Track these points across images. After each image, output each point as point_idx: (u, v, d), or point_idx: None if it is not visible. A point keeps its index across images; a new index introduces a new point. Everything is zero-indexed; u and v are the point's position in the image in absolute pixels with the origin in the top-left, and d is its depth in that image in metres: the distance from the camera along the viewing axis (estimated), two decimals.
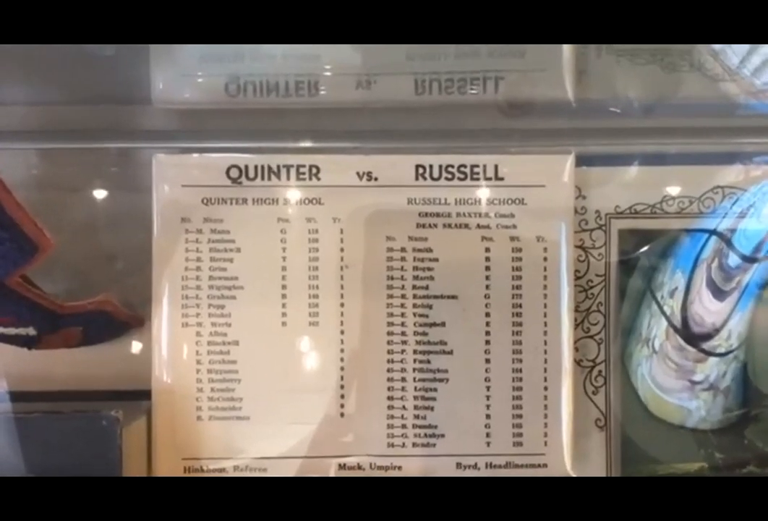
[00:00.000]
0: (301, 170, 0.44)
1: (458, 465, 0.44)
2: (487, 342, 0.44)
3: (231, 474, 0.43)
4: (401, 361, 0.44)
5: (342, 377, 0.43)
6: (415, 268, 0.44)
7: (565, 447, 0.44)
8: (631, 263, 0.45)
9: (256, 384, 0.43)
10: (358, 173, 0.44)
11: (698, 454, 0.46)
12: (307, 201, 0.44)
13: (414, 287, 0.44)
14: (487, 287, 0.44)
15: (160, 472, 0.43)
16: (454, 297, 0.44)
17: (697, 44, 0.45)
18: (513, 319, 0.44)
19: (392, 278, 0.44)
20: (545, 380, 0.44)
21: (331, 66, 0.44)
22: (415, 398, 0.44)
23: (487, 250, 0.44)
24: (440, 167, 0.44)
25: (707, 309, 0.45)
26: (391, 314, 0.44)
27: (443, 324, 0.44)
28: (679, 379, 0.45)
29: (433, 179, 0.44)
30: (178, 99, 0.45)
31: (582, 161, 0.44)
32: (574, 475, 0.44)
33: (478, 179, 0.44)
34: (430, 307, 0.44)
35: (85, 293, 0.42)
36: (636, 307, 0.46)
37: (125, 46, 0.44)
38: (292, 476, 0.43)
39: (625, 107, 0.45)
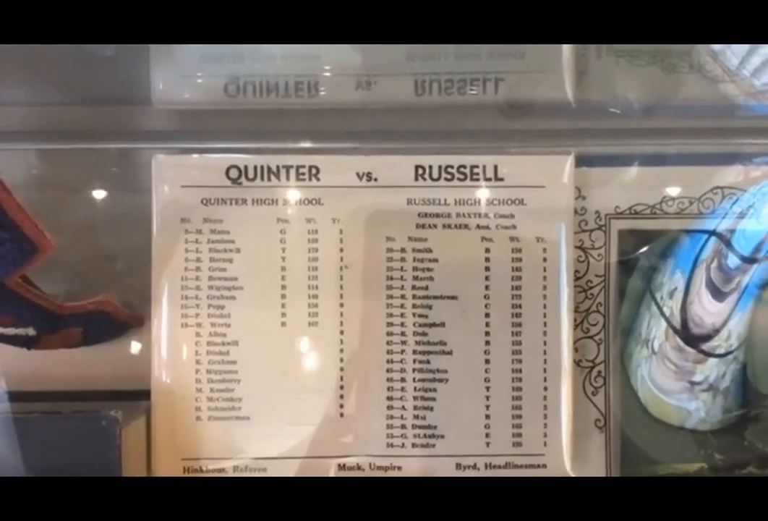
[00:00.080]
0: (301, 170, 0.44)
1: (458, 466, 0.44)
2: (487, 343, 0.44)
3: (230, 474, 0.43)
4: (401, 361, 0.44)
5: (341, 378, 0.43)
6: (415, 268, 0.44)
7: (565, 447, 0.44)
8: (630, 264, 0.45)
9: (256, 384, 0.43)
10: (357, 174, 0.44)
11: (698, 455, 0.46)
12: (306, 202, 0.44)
13: (414, 287, 0.44)
14: (487, 287, 0.44)
15: (159, 472, 0.43)
16: (453, 298, 0.44)
17: (697, 45, 0.45)
18: (513, 319, 0.44)
19: (392, 279, 0.44)
20: (545, 380, 0.44)
21: (330, 66, 0.44)
22: (415, 398, 0.44)
23: (487, 250, 0.44)
24: (440, 167, 0.44)
25: (707, 310, 0.45)
26: (390, 315, 0.44)
27: (443, 325, 0.44)
28: (678, 380, 0.45)
29: (432, 179, 0.44)
30: (178, 99, 0.45)
31: (582, 161, 0.44)
32: (574, 476, 0.44)
33: (477, 180, 0.44)
34: (429, 307, 0.44)
35: (85, 293, 0.42)
36: (635, 308, 0.46)
37: (125, 47, 0.44)
38: (291, 476, 0.43)
39: (624, 108, 0.45)
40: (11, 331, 0.40)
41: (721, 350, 0.45)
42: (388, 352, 0.43)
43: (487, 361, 0.44)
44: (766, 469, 0.46)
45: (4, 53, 0.43)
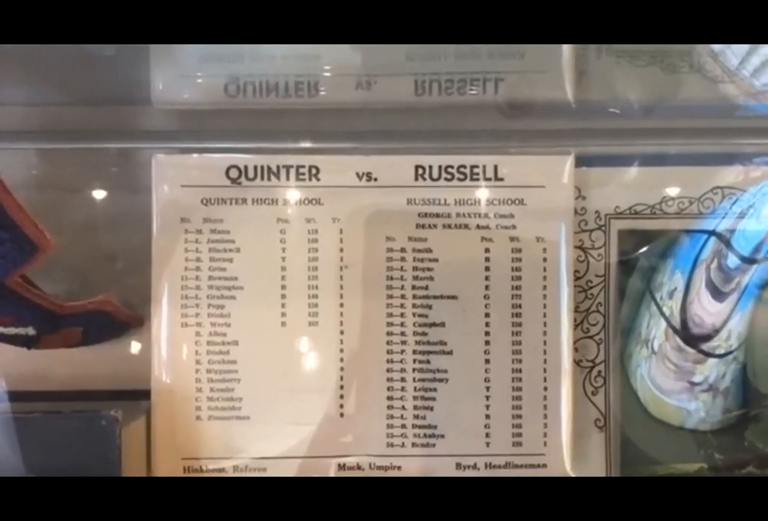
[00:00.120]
0: (301, 170, 0.44)
1: (458, 465, 0.44)
2: (487, 342, 0.44)
3: (230, 474, 0.43)
4: (401, 361, 0.44)
5: (341, 378, 0.43)
6: (415, 268, 0.44)
7: (565, 447, 0.44)
8: (630, 264, 0.45)
9: (256, 384, 0.43)
10: (357, 174, 0.44)
11: (698, 455, 0.46)
12: (306, 201, 0.44)
13: (414, 287, 0.44)
14: (487, 287, 0.44)
15: (159, 472, 0.43)
16: (453, 297, 0.44)
17: (697, 45, 0.45)
18: (513, 319, 0.44)
19: (392, 279, 0.44)
20: (545, 380, 0.44)
21: (330, 66, 0.44)
22: (415, 398, 0.44)
23: (487, 250, 0.44)
24: (440, 167, 0.44)
25: (706, 310, 0.45)
26: (390, 315, 0.44)
27: (443, 324, 0.44)
28: (678, 380, 0.45)
29: (432, 179, 0.44)
30: (178, 99, 0.45)
31: (582, 161, 0.44)
32: (574, 475, 0.44)
33: (477, 180, 0.44)
34: (429, 307, 0.44)
35: (85, 293, 0.42)
36: (635, 307, 0.46)
37: (125, 47, 0.44)
38: (291, 476, 0.43)
39: (624, 108, 0.45)
40: (11, 331, 0.39)
41: (721, 351, 0.45)
42: (388, 352, 0.43)
43: (487, 361, 0.44)
44: (766, 469, 0.46)
45: (4, 53, 0.43)
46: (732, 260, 0.45)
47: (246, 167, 0.43)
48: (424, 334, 0.44)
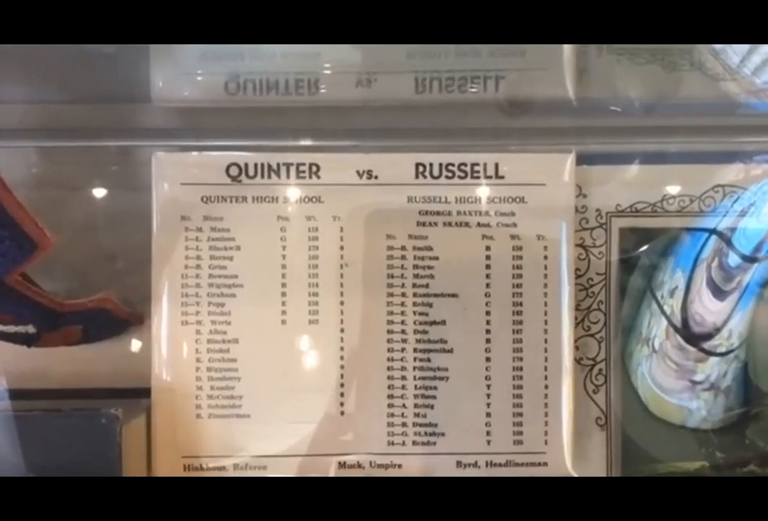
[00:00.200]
0: (301, 168, 0.44)
1: (458, 464, 0.44)
2: (488, 341, 0.44)
3: (231, 472, 0.43)
4: (401, 359, 0.43)
5: (342, 376, 0.43)
6: (416, 266, 0.44)
7: (566, 445, 0.44)
8: (631, 262, 0.45)
9: (256, 382, 0.43)
10: (358, 172, 0.44)
11: (699, 453, 0.46)
12: (307, 199, 0.44)
13: (414, 285, 0.44)
14: (488, 285, 0.44)
15: (159, 470, 0.43)
16: (454, 296, 0.44)
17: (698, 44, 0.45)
18: (513, 317, 0.44)
19: (392, 277, 0.44)
20: (546, 378, 0.44)
21: (331, 64, 0.44)
22: (416, 396, 0.43)
23: (488, 248, 0.44)
24: (440, 165, 0.44)
25: (707, 309, 0.45)
26: (391, 313, 0.43)
27: (443, 323, 0.44)
28: (679, 379, 0.45)
29: (433, 177, 0.44)
30: (178, 97, 0.45)
31: (582, 159, 0.44)
32: (575, 474, 0.44)
33: (478, 178, 0.44)
34: (430, 305, 0.44)
35: (85, 291, 0.42)
36: (636, 306, 0.46)
37: (125, 45, 0.44)
38: (292, 475, 0.43)
39: (625, 106, 0.45)
40: (11, 329, 0.39)
41: (722, 349, 0.45)
42: (389, 350, 0.43)
43: (487, 359, 0.44)
44: (767, 468, 0.45)
45: (3, 51, 0.43)
46: (733, 259, 0.45)
47: (246, 165, 0.43)
48: (424, 332, 0.44)
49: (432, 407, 0.44)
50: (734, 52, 0.45)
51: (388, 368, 0.43)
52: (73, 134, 0.45)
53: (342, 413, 0.43)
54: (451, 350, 0.44)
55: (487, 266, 0.44)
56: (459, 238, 0.44)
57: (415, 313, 0.44)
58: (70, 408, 0.40)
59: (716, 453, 0.45)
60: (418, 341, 0.44)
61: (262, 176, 0.43)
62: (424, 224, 0.44)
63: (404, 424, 0.43)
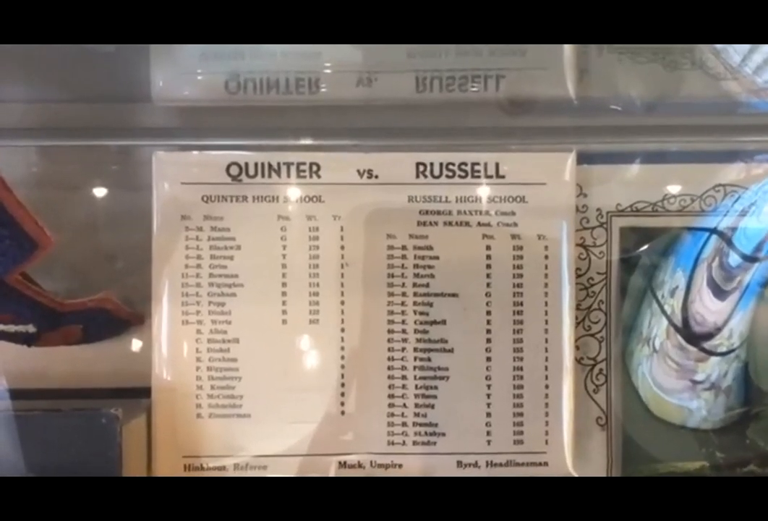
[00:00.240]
0: (302, 167, 0.44)
1: (459, 464, 0.44)
2: (488, 340, 0.44)
3: (231, 472, 0.43)
4: (402, 359, 0.43)
5: (342, 376, 0.43)
6: (416, 266, 0.44)
7: (566, 445, 0.44)
8: (632, 262, 0.45)
9: (257, 382, 0.43)
10: (358, 171, 0.44)
11: (699, 453, 0.46)
12: (307, 199, 0.44)
13: (414, 285, 0.44)
14: (488, 285, 0.44)
15: (160, 470, 0.43)
16: (454, 295, 0.44)
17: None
18: (514, 317, 0.44)
19: (393, 276, 0.44)
20: (546, 378, 0.44)
21: (331, 63, 0.44)
22: (416, 396, 0.43)
23: (488, 248, 0.44)
24: (441, 164, 0.44)
25: (708, 308, 0.45)
26: (391, 312, 0.43)
27: (444, 322, 0.44)
28: (680, 379, 0.45)
29: (433, 176, 0.44)
30: (178, 96, 0.45)
31: (583, 158, 0.44)
32: (575, 474, 0.44)
33: (479, 177, 0.44)
34: (430, 305, 0.44)
35: (86, 290, 0.42)
36: (637, 305, 0.45)
37: (125, 45, 0.44)
38: (292, 475, 0.43)
39: (626, 105, 0.45)
40: (11, 328, 0.39)
41: (723, 349, 0.45)
42: (389, 350, 0.43)
43: (488, 359, 0.44)
44: (767, 468, 0.45)
45: (3, 50, 0.43)
46: (733, 259, 0.45)
47: (246, 165, 0.43)
48: (425, 332, 0.44)
49: (432, 407, 0.44)
50: (735, 51, 0.45)
51: (389, 368, 0.43)
52: (74, 133, 0.44)
53: (342, 413, 0.43)
54: (451, 350, 0.44)
55: (488, 266, 0.44)
56: (459, 237, 0.44)
57: (415, 312, 0.44)
58: (70, 407, 0.40)
59: (716, 453, 0.45)
60: (418, 340, 0.44)
61: (263, 176, 0.43)
62: (424, 224, 0.44)
63: (404, 424, 0.43)
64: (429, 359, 0.44)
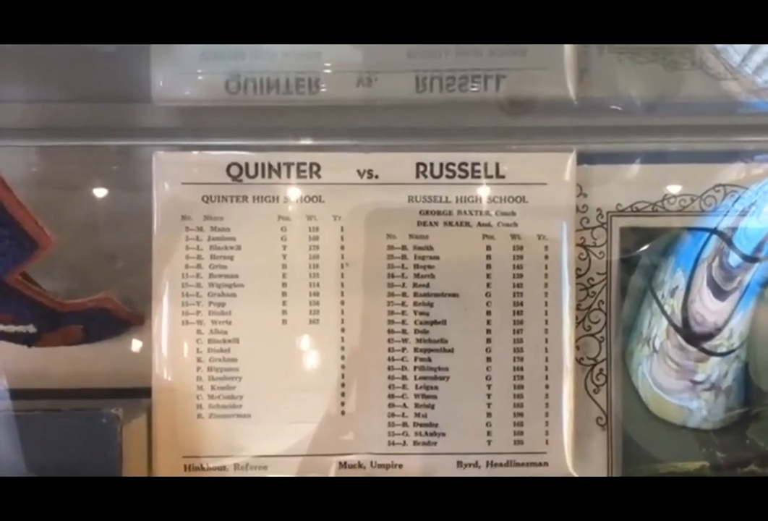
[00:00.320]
0: (302, 167, 0.44)
1: (459, 464, 0.44)
2: (488, 340, 0.44)
3: (231, 472, 0.43)
4: (402, 359, 0.43)
5: (342, 376, 0.43)
6: (416, 266, 0.44)
7: (567, 445, 0.44)
8: (632, 262, 0.45)
9: (257, 382, 0.43)
10: (358, 171, 0.44)
11: (699, 453, 0.46)
12: (307, 199, 0.44)
13: (415, 285, 0.44)
14: (488, 285, 0.44)
15: (160, 470, 0.43)
16: (455, 295, 0.44)
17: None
18: (514, 317, 0.44)
19: (393, 276, 0.44)
20: (546, 378, 0.44)
21: (331, 63, 0.44)
22: (416, 396, 0.43)
23: (488, 248, 0.44)
24: (441, 164, 0.44)
25: (708, 309, 0.45)
26: (391, 312, 0.43)
27: (444, 322, 0.44)
28: (680, 379, 0.45)
29: (434, 176, 0.44)
30: (179, 96, 0.45)
31: (583, 159, 0.44)
32: (575, 474, 0.44)
33: (479, 177, 0.44)
34: (431, 305, 0.44)
35: (86, 290, 0.42)
36: (637, 305, 0.45)
37: (126, 44, 0.44)
38: (292, 475, 0.43)
39: (626, 105, 0.45)
40: (11, 328, 0.39)
41: (723, 349, 0.45)
42: (389, 350, 0.43)
43: (488, 359, 0.44)
44: (767, 468, 0.45)
45: (3, 50, 0.43)
46: (734, 259, 0.45)
47: (247, 165, 0.43)
48: (425, 332, 0.44)
49: (433, 407, 0.44)
50: (735, 51, 0.45)
51: (389, 368, 0.43)
52: (74, 133, 0.44)
53: (343, 413, 0.43)
54: (451, 350, 0.44)
55: (488, 266, 0.44)
56: (460, 237, 0.44)
57: (415, 313, 0.44)
58: (70, 407, 0.40)
59: (717, 453, 0.45)
60: (418, 340, 0.44)
61: (263, 176, 0.43)
62: (424, 224, 0.44)
63: (405, 424, 0.43)
64: (429, 360, 0.44)
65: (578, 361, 0.45)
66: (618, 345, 0.45)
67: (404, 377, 0.44)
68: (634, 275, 0.45)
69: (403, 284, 0.44)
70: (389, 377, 0.43)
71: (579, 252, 0.45)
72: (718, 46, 0.45)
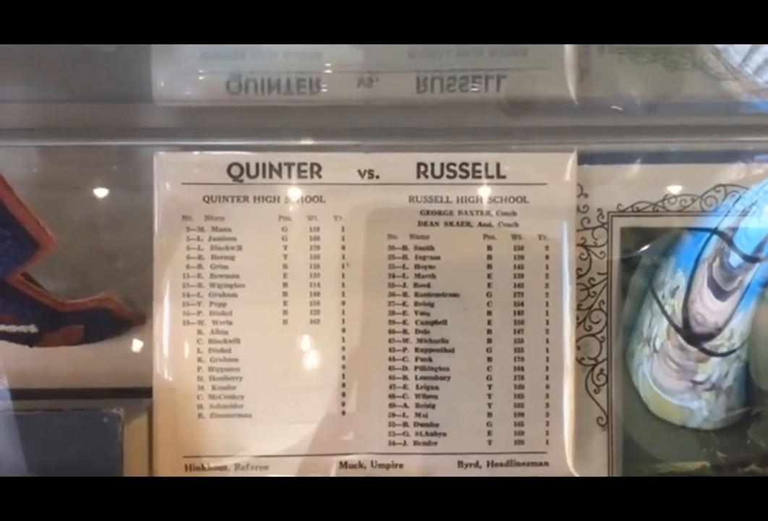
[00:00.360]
0: (303, 167, 0.44)
1: (459, 464, 0.44)
2: (489, 341, 0.44)
3: (232, 472, 0.43)
4: (403, 359, 0.43)
5: (343, 376, 0.43)
6: (417, 266, 0.44)
7: (567, 445, 0.44)
8: (632, 262, 0.45)
9: (258, 382, 0.43)
10: (359, 171, 0.44)
11: (700, 453, 0.46)
12: (308, 199, 0.44)
13: (415, 285, 0.44)
14: (489, 285, 0.44)
15: (161, 470, 0.43)
16: (455, 295, 0.44)
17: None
18: (515, 317, 0.44)
19: (394, 276, 0.44)
20: (547, 378, 0.44)
21: (332, 64, 0.44)
22: (417, 396, 0.43)
23: (489, 248, 0.44)
24: (442, 164, 0.44)
25: (708, 309, 0.45)
26: (392, 313, 0.43)
27: (445, 322, 0.44)
28: (680, 380, 0.45)
29: (434, 177, 0.44)
30: (180, 97, 0.45)
31: (584, 159, 0.44)
32: (576, 474, 0.44)
33: (479, 177, 0.44)
34: (431, 305, 0.44)
35: (87, 290, 0.42)
36: (638, 306, 0.45)
37: (126, 45, 0.44)
38: (293, 475, 0.43)
39: (627, 105, 0.45)
40: (13, 328, 0.39)
41: (724, 349, 0.45)
42: (390, 350, 0.43)
43: (489, 359, 0.44)
44: None
45: (4, 50, 0.43)
46: (734, 259, 0.45)
47: (248, 165, 0.43)
48: (426, 332, 0.44)
49: (433, 407, 0.44)
50: (736, 51, 0.45)
51: (390, 368, 0.43)
52: (75, 133, 0.45)
53: (343, 413, 0.43)
54: (452, 350, 0.44)
55: (489, 266, 0.44)
56: (460, 238, 0.44)
57: (416, 313, 0.44)
58: (71, 407, 0.40)
59: (717, 453, 0.45)
60: (419, 340, 0.44)
61: (264, 176, 0.43)
62: (425, 224, 0.44)
63: (405, 424, 0.43)
64: (430, 359, 0.44)
65: (579, 361, 0.45)
66: (619, 345, 0.45)
67: (405, 377, 0.44)
68: (634, 275, 0.45)
69: (404, 284, 0.44)
70: (390, 377, 0.43)
71: (580, 252, 0.45)
72: (719, 46, 0.45)
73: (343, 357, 0.43)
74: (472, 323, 0.44)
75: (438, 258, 0.44)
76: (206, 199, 0.43)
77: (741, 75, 0.45)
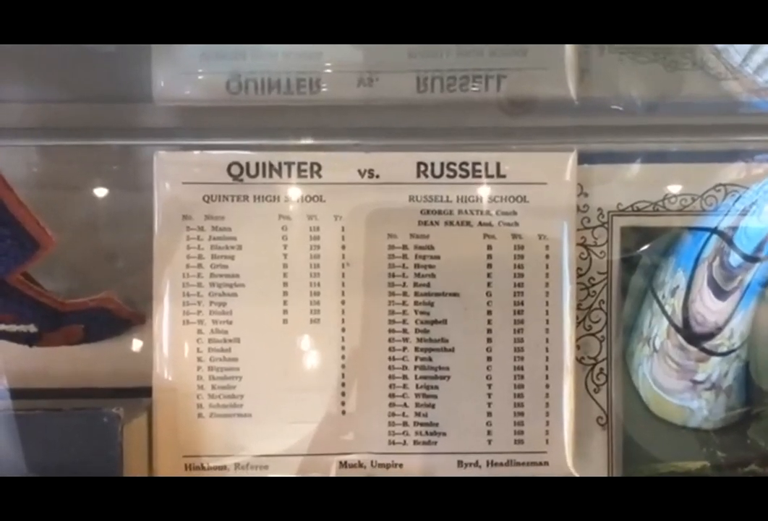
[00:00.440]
0: (303, 167, 0.44)
1: (459, 463, 0.44)
2: (489, 340, 0.44)
3: (232, 471, 0.43)
4: (402, 359, 0.43)
5: (343, 375, 0.43)
6: (417, 265, 0.44)
7: (567, 445, 0.44)
8: (633, 261, 0.45)
9: (257, 382, 0.43)
10: (359, 171, 0.44)
11: (700, 453, 0.46)
12: (308, 198, 0.44)
13: (415, 284, 0.44)
14: (489, 284, 0.44)
15: (161, 470, 0.43)
16: (455, 295, 0.44)
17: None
18: (515, 317, 0.44)
19: (394, 276, 0.44)
20: (547, 378, 0.44)
21: (332, 63, 0.44)
22: (417, 395, 0.43)
23: (489, 247, 0.44)
24: (442, 164, 0.44)
25: (708, 308, 0.45)
26: (392, 312, 0.43)
27: (445, 322, 0.44)
28: (680, 379, 0.45)
29: (434, 176, 0.44)
30: (180, 96, 0.45)
31: (584, 158, 0.44)
32: (576, 474, 0.44)
33: (479, 177, 0.44)
34: (431, 304, 0.44)
35: (87, 290, 0.42)
36: (638, 305, 0.45)
37: (127, 44, 0.44)
38: (293, 475, 0.43)
39: (627, 105, 0.45)
40: (13, 328, 0.39)
41: (724, 349, 0.45)
42: (390, 349, 0.43)
43: (488, 358, 0.44)
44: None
45: (4, 49, 0.43)
46: (734, 258, 0.45)
47: (248, 164, 0.43)
48: (425, 331, 0.44)
49: (433, 406, 0.44)
50: (736, 51, 0.45)
51: (390, 368, 0.43)
52: (75, 133, 0.45)
53: (343, 412, 0.43)
54: (452, 350, 0.44)
55: (489, 266, 0.44)
56: (460, 237, 0.44)
57: (416, 312, 0.44)
58: (71, 407, 0.40)
59: (717, 452, 0.45)
60: (419, 340, 0.44)
61: (264, 175, 0.43)
62: (425, 224, 0.44)
63: (405, 423, 0.43)
64: (430, 359, 0.44)
65: (579, 360, 0.45)
66: (618, 345, 0.45)
67: (405, 377, 0.44)
68: (634, 274, 0.45)
69: (404, 284, 0.44)
70: (390, 377, 0.44)
71: (580, 252, 0.45)
72: (719, 46, 0.45)
73: (343, 357, 0.43)
74: (472, 322, 0.44)
75: (438, 258, 0.44)
76: (206, 198, 0.43)
77: (741, 75, 0.45)
